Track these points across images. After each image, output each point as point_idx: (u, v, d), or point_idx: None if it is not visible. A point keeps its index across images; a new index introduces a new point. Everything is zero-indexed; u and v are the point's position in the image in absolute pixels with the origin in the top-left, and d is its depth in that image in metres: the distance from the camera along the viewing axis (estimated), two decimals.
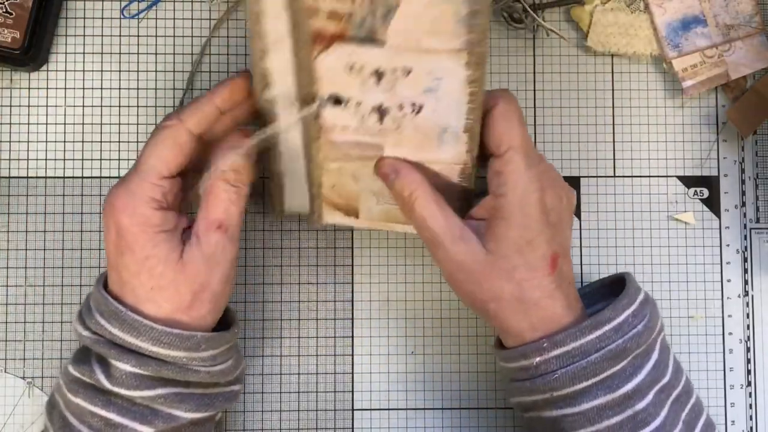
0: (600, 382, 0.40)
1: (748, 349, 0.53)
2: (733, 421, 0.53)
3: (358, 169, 0.45)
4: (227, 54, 0.53)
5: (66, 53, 0.53)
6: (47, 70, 0.52)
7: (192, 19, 0.53)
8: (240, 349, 0.45)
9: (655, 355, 0.42)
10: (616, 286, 0.45)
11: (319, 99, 0.41)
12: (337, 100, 0.42)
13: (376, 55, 0.40)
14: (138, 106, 0.53)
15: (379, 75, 0.40)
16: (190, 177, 0.43)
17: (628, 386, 0.40)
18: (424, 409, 0.52)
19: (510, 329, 0.41)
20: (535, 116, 0.54)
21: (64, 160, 0.52)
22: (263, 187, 0.52)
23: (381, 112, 0.42)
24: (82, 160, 0.52)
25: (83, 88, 0.53)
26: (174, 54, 0.53)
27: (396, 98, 0.41)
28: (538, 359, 0.40)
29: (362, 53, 0.39)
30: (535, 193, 0.41)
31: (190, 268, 0.40)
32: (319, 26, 0.39)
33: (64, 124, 0.52)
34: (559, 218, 0.42)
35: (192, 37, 0.53)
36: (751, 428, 0.53)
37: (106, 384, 0.40)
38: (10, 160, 0.52)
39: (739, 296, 0.54)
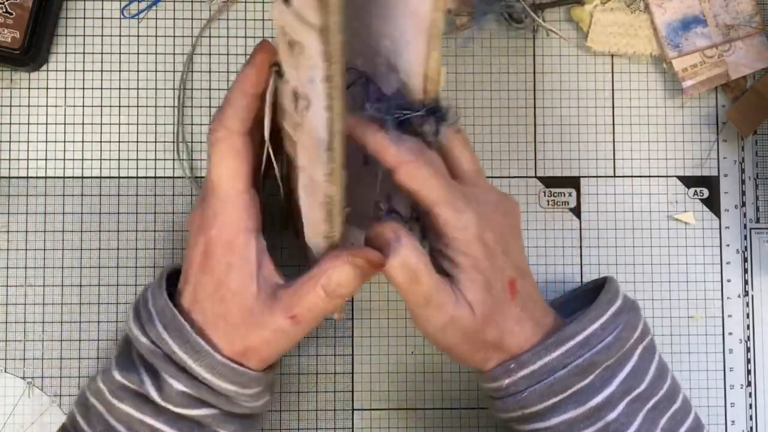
0: (568, 397, 0.40)
1: (748, 349, 0.53)
2: (733, 421, 0.53)
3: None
4: (218, 53, 0.53)
5: (66, 53, 0.53)
6: (47, 70, 0.52)
7: (192, 19, 0.53)
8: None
9: (630, 364, 0.42)
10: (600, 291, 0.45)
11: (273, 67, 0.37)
12: (278, 70, 0.38)
13: (284, 13, 0.34)
14: (138, 106, 0.53)
15: (291, 44, 0.35)
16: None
17: (597, 399, 0.40)
18: (424, 409, 0.52)
19: (492, 366, 0.42)
20: (535, 116, 0.54)
21: (64, 160, 0.52)
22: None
23: (294, 96, 0.37)
24: (82, 160, 0.52)
25: (83, 88, 0.53)
26: (174, 54, 0.53)
27: (298, 82, 0.36)
28: (507, 381, 0.41)
29: (279, 8, 0.35)
30: (474, 235, 0.40)
31: (251, 322, 0.39)
32: None
33: (64, 124, 0.52)
34: (505, 244, 0.41)
35: (192, 37, 0.53)
36: (751, 428, 0.53)
37: (156, 398, 0.40)
38: (10, 160, 0.52)
39: (739, 296, 0.54)
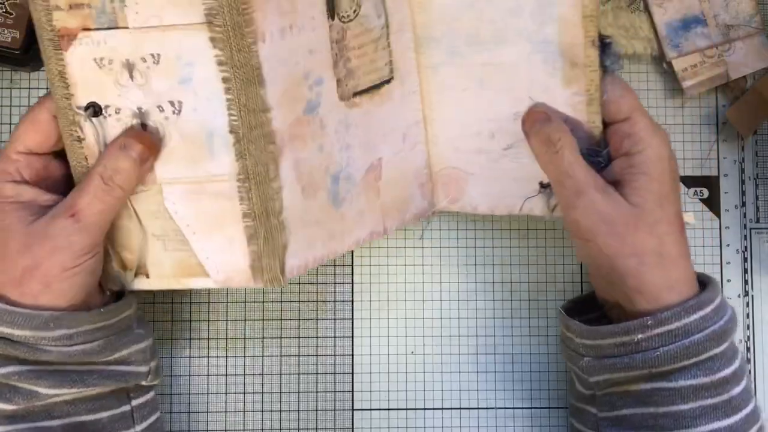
0: (701, 362, 0.40)
1: (748, 349, 0.53)
2: None
3: (138, 204, 0.41)
4: None
5: None
6: None
7: None
8: (132, 328, 0.44)
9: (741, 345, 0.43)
10: None
11: (76, 110, 0.38)
12: (95, 111, 0.39)
13: (121, 42, 0.37)
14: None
15: (130, 67, 0.37)
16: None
17: (727, 371, 0.40)
18: (424, 409, 0.52)
19: (648, 287, 0.41)
20: None
21: None
22: None
23: (142, 117, 0.39)
24: None
25: None
26: None
27: (153, 96, 0.38)
28: (640, 336, 0.40)
29: (108, 42, 0.37)
30: (667, 151, 0.42)
31: (29, 240, 0.39)
32: (62, 23, 0.37)
33: None
34: (678, 178, 0.43)
35: None
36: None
37: None
38: None
39: (739, 296, 0.54)
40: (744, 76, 0.53)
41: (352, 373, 0.52)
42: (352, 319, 0.53)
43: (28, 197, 0.41)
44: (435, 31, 0.44)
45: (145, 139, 0.40)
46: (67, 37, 0.37)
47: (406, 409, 0.52)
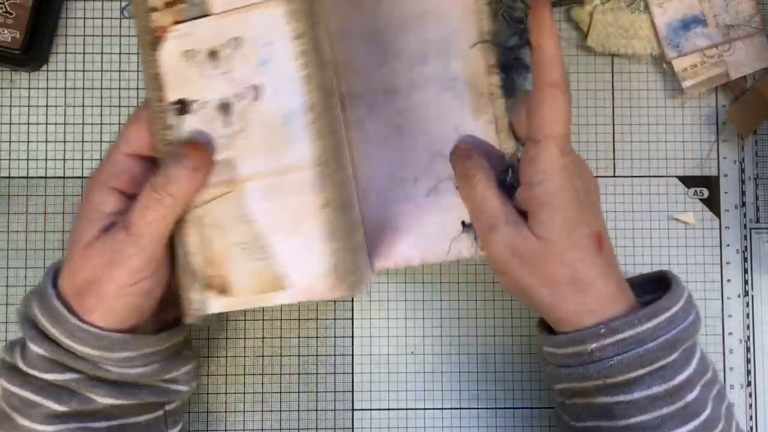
0: (654, 371, 0.40)
1: (748, 349, 0.53)
2: None
3: (219, 210, 0.39)
4: None
5: (66, 53, 0.53)
6: (47, 70, 0.52)
7: None
8: (183, 353, 0.45)
9: (698, 349, 0.43)
10: (653, 284, 0.45)
11: (167, 109, 0.38)
12: (182, 108, 0.39)
13: (205, 30, 0.37)
14: (138, 106, 0.53)
15: (213, 55, 0.38)
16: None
17: (681, 377, 0.40)
18: (424, 409, 0.52)
19: (566, 315, 0.41)
20: None
21: (64, 160, 0.52)
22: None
23: (224, 108, 0.38)
24: (82, 160, 0.52)
25: (83, 88, 0.53)
26: None
27: (235, 84, 0.38)
28: (593, 345, 0.40)
29: (194, 31, 0.37)
30: (569, 178, 0.41)
31: (89, 253, 0.39)
32: (158, 24, 0.37)
33: (64, 124, 0.52)
34: (591, 200, 0.42)
35: None
36: (751, 428, 0.53)
37: (21, 365, 0.41)
38: (10, 160, 0.52)
39: (739, 296, 0.54)
40: (744, 76, 0.53)
41: (352, 373, 0.52)
42: (352, 319, 0.53)
43: (110, 209, 0.40)
44: (357, 87, 0.45)
45: (199, 149, 0.39)
46: (160, 35, 0.37)
47: (406, 409, 0.52)
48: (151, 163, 0.41)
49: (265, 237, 0.39)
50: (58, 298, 0.40)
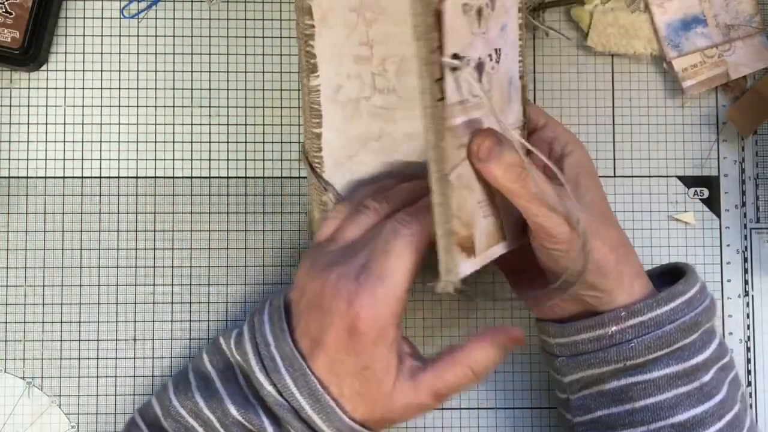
0: (672, 352, 0.41)
1: (748, 349, 0.53)
2: None
3: (467, 170, 0.38)
4: (218, 53, 0.53)
5: (66, 53, 0.53)
6: (47, 70, 0.52)
7: (192, 18, 0.53)
8: None
9: (717, 333, 0.43)
10: (665, 276, 0.46)
11: (445, 61, 0.35)
12: (459, 64, 0.36)
13: None
14: (138, 106, 0.53)
15: (479, 13, 0.37)
16: None
17: (698, 359, 0.41)
18: None
19: (625, 278, 0.41)
20: None
21: (64, 160, 0.52)
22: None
23: (480, 68, 0.37)
24: (82, 160, 0.52)
25: (83, 88, 0.53)
26: (174, 54, 0.53)
27: (488, 45, 0.37)
28: (614, 328, 0.41)
29: None
30: (592, 172, 0.43)
31: (390, 402, 0.40)
32: None
33: (64, 124, 0.52)
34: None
35: (192, 36, 0.53)
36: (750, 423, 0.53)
37: None
38: (9, 160, 0.52)
39: (739, 296, 0.54)
40: (744, 76, 0.53)
41: None
42: None
43: (397, 344, 0.40)
44: None
45: (518, 337, 0.40)
46: None
47: None
48: None
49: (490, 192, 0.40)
50: (329, 395, 0.39)
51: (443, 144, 0.35)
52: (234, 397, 0.41)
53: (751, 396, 0.53)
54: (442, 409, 0.52)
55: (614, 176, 0.54)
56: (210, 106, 0.53)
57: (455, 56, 0.35)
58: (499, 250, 0.41)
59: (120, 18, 0.53)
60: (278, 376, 0.40)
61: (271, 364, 0.40)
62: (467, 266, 0.38)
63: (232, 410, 0.40)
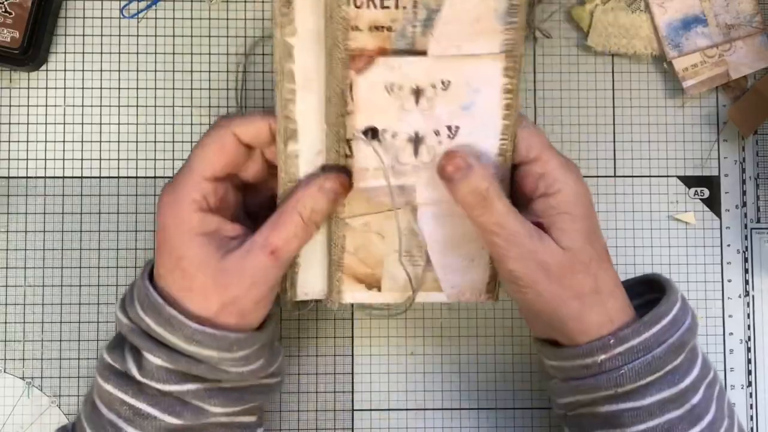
0: (662, 376, 0.40)
1: (748, 350, 0.53)
2: None
3: (384, 223, 0.42)
4: (218, 53, 0.53)
5: (66, 53, 0.53)
6: (47, 70, 0.52)
7: (191, 18, 0.53)
8: (275, 344, 0.45)
9: (700, 352, 0.43)
10: (639, 287, 0.45)
11: (355, 133, 0.39)
12: (373, 134, 0.39)
13: (416, 69, 0.38)
14: (138, 106, 0.53)
15: (417, 93, 0.39)
16: (245, 191, 0.43)
17: (687, 381, 0.41)
18: (424, 409, 0.52)
19: (589, 326, 0.40)
20: (535, 116, 0.54)
21: (64, 160, 0.52)
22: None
23: (416, 142, 0.40)
24: (82, 160, 0.52)
25: (83, 88, 0.53)
26: (174, 54, 0.53)
27: (432, 121, 0.39)
28: (603, 357, 0.40)
29: (403, 68, 0.38)
30: (583, 187, 0.41)
31: (225, 278, 0.39)
32: (358, 44, 0.37)
33: (64, 124, 0.52)
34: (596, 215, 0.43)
35: (192, 36, 0.53)
36: (752, 428, 0.53)
37: (137, 375, 0.40)
38: (9, 160, 0.52)
39: (739, 296, 0.53)
40: (744, 76, 0.53)
41: (352, 374, 0.52)
42: (352, 319, 0.53)
43: (213, 227, 0.40)
44: None
45: (343, 181, 0.40)
46: (360, 59, 0.37)
47: (406, 409, 0.52)
48: (228, 185, 0.41)
49: (430, 251, 0.42)
50: (170, 305, 0.40)
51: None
52: (110, 343, 0.42)
53: (751, 396, 0.53)
54: (442, 409, 0.52)
55: (614, 176, 0.54)
56: (210, 106, 0.53)
57: (371, 129, 0.39)
58: (434, 298, 0.44)
59: (120, 18, 0.53)
60: (131, 306, 0.41)
61: (128, 300, 0.41)
62: (364, 296, 0.43)
63: (104, 354, 0.42)
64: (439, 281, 0.43)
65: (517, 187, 0.42)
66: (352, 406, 0.52)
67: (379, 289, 0.44)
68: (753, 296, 0.54)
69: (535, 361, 0.52)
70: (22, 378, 0.52)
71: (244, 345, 0.41)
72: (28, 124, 0.52)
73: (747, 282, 0.54)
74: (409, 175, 0.40)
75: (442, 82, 0.38)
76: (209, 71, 0.53)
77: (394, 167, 0.40)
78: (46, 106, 0.52)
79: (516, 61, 0.38)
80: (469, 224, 0.40)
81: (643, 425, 0.40)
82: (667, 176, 0.54)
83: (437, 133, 0.40)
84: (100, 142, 0.52)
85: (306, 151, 0.40)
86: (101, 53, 0.53)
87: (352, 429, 0.52)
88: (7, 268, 0.52)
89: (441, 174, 0.40)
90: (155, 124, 0.53)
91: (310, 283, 0.44)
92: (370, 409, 0.52)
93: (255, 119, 0.41)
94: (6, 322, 0.52)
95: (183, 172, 0.41)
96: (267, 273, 0.40)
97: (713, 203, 0.54)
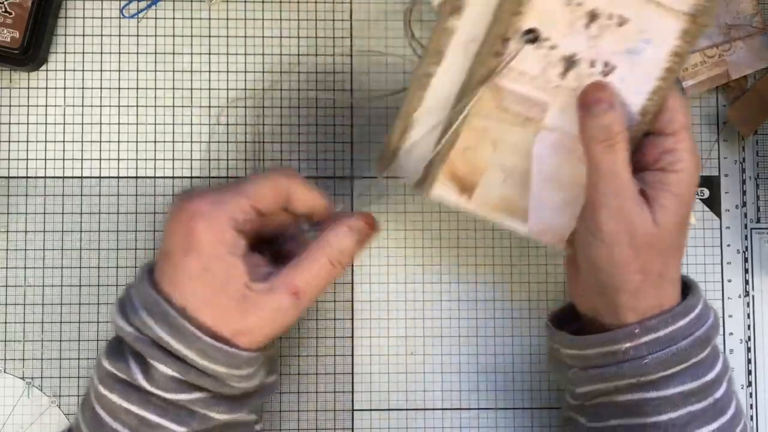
0: (686, 369, 0.40)
1: (748, 350, 0.53)
2: None
3: (503, 134, 0.41)
4: (217, 53, 0.53)
5: (66, 53, 0.53)
6: (47, 70, 0.52)
7: (192, 18, 0.53)
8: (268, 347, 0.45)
9: (720, 350, 0.43)
10: None
11: (517, 32, 0.38)
12: (533, 38, 0.38)
13: None
14: (138, 106, 0.53)
15: (593, 17, 0.38)
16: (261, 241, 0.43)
17: (711, 375, 0.41)
18: (424, 409, 0.52)
19: (641, 305, 0.41)
20: None
21: (64, 160, 0.52)
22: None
23: (569, 64, 0.39)
24: (82, 160, 0.52)
25: (83, 88, 0.53)
26: (174, 54, 0.53)
27: (594, 51, 0.38)
28: (627, 345, 0.40)
29: None
30: (698, 176, 0.41)
31: (246, 306, 0.39)
32: None
33: (64, 124, 0.52)
34: None
35: (191, 36, 0.53)
36: (752, 428, 0.53)
37: (144, 384, 0.40)
38: (9, 160, 0.52)
39: (739, 296, 0.54)
40: (745, 76, 0.53)
41: (352, 374, 0.52)
42: (352, 319, 0.53)
43: (242, 251, 0.40)
44: None
45: (371, 221, 0.42)
46: None
47: (406, 409, 0.52)
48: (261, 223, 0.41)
49: (534, 179, 0.42)
50: (182, 316, 0.39)
51: (472, 90, 0.39)
52: (109, 350, 0.42)
53: (751, 396, 0.53)
54: (442, 409, 0.52)
55: None
56: (210, 106, 0.53)
57: (532, 31, 0.38)
58: (515, 226, 0.43)
59: (120, 18, 0.53)
60: (135, 314, 0.40)
61: (130, 307, 0.41)
62: (452, 198, 0.42)
63: (105, 363, 0.41)
64: (529, 211, 0.42)
65: (636, 149, 0.42)
66: (352, 406, 0.52)
67: (470, 197, 0.43)
68: (753, 296, 0.54)
69: (535, 361, 0.52)
70: (22, 378, 0.52)
71: (252, 363, 0.41)
72: (28, 124, 0.52)
73: (747, 282, 0.54)
74: (548, 93, 0.40)
75: (620, 18, 0.38)
76: (209, 71, 0.53)
77: (538, 78, 0.39)
78: (46, 106, 0.52)
79: (697, 28, 0.38)
80: (580, 168, 0.40)
81: (665, 416, 0.40)
82: None
83: (593, 64, 0.39)
84: (100, 142, 0.52)
85: (464, 33, 0.39)
86: (101, 53, 0.53)
87: (352, 429, 0.52)
88: (7, 268, 0.52)
89: (583, 99, 0.40)
90: (155, 124, 0.53)
91: (413, 160, 0.43)
92: (370, 409, 0.52)
93: (317, 196, 0.42)
94: (6, 322, 0.52)
95: (231, 190, 0.40)
96: (287, 313, 0.40)
97: (713, 203, 0.54)
